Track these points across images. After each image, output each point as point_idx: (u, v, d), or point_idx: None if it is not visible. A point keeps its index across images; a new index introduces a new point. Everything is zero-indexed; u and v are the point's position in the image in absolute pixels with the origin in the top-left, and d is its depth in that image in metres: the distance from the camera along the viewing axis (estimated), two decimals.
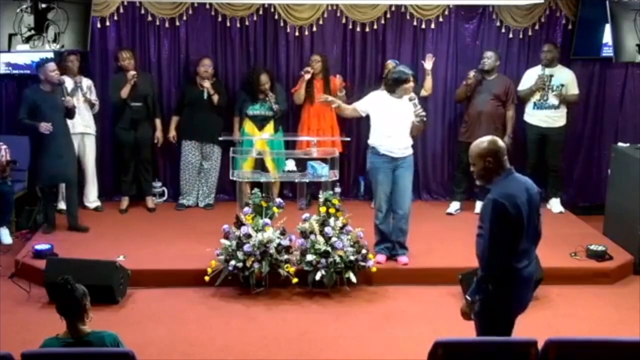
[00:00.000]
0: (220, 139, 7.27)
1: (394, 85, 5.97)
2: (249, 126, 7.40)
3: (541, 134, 7.48)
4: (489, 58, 7.35)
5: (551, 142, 7.52)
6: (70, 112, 6.72)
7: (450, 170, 7.98)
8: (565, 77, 7.45)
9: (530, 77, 7.48)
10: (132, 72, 7.13)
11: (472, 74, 7.33)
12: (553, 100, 7.39)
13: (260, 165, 7.14)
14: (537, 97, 7.43)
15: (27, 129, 6.70)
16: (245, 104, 7.39)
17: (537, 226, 3.96)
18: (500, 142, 3.90)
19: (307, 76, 7.30)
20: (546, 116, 7.45)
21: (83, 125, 7.12)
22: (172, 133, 7.49)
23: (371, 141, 6.10)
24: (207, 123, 7.38)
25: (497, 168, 3.85)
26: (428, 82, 7.34)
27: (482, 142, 3.91)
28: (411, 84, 5.97)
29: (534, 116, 7.50)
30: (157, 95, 7.53)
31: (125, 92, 7.16)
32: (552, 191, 7.65)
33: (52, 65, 6.55)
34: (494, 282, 3.83)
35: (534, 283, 4.25)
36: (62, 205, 7.27)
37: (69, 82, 7.15)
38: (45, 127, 6.43)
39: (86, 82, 7.27)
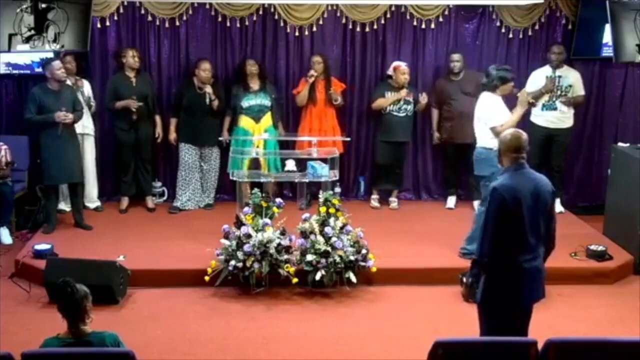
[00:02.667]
0: (220, 138, 7.28)
1: (499, 85, 6.04)
2: (244, 121, 7.33)
3: (548, 134, 7.45)
4: (459, 61, 7.40)
5: (557, 143, 7.51)
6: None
7: (443, 170, 7.99)
8: (572, 78, 7.45)
9: (537, 79, 7.45)
10: (136, 104, 7.13)
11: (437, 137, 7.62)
12: (561, 107, 7.39)
13: (256, 164, 7.13)
14: (545, 98, 7.42)
15: (36, 126, 6.68)
16: (238, 96, 7.32)
17: (546, 224, 4.03)
18: (518, 140, 4.08)
19: (311, 80, 7.29)
20: (554, 117, 7.43)
21: (81, 126, 7.10)
22: (173, 135, 7.44)
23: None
24: (205, 126, 7.33)
25: (504, 157, 4.08)
26: (422, 106, 7.46)
27: (507, 132, 4.18)
28: (512, 84, 6.17)
29: (541, 117, 7.48)
30: (156, 95, 7.52)
31: (120, 106, 7.17)
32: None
33: (57, 63, 6.58)
34: (490, 271, 3.98)
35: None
36: (62, 206, 7.29)
37: (86, 87, 7.17)
38: (61, 115, 6.46)
39: (85, 85, 7.27)
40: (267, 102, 7.33)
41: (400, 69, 7.39)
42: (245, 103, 7.30)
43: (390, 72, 7.49)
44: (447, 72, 7.54)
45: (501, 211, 3.92)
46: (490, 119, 5.98)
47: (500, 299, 4.03)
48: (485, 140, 6.03)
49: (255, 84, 7.34)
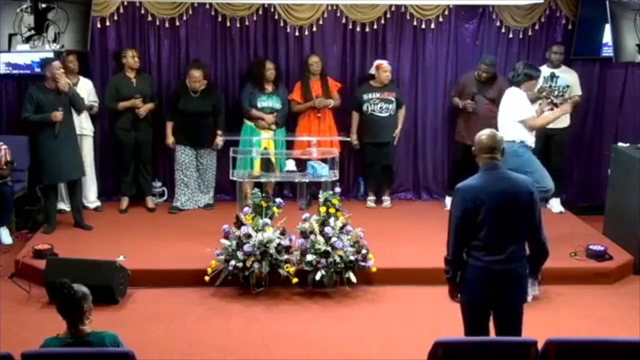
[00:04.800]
0: (222, 138, 7.29)
1: (523, 81, 6.11)
2: (254, 121, 7.36)
3: (546, 135, 7.42)
4: (488, 73, 7.30)
5: (556, 143, 7.50)
6: (76, 106, 6.75)
7: (450, 169, 7.98)
8: (570, 79, 7.45)
9: None
10: (141, 103, 7.16)
11: (469, 104, 7.36)
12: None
13: (265, 165, 7.15)
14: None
15: (33, 125, 6.69)
16: (253, 95, 7.34)
17: (528, 227, 3.98)
18: (492, 139, 4.05)
19: (318, 105, 7.37)
20: None
21: (79, 127, 7.09)
22: (171, 139, 7.39)
23: (522, 137, 6.11)
24: (201, 130, 7.33)
25: (478, 158, 4.08)
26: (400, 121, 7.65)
27: (482, 133, 4.12)
28: (536, 81, 6.25)
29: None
30: (156, 95, 7.52)
31: (121, 107, 7.19)
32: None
33: (58, 63, 6.61)
34: (458, 269, 4.04)
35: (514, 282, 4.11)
36: (61, 206, 7.29)
37: (84, 86, 7.17)
38: (57, 115, 6.48)
39: (86, 85, 7.28)
40: (278, 105, 7.36)
41: (382, 67, 7.42)
42: (259, 104, 7.32)
43: (372, 71, 7.50)
44: (476, 72, 7.42)
45: (461, 210, 3.96)
46: (519, 113, 6.03)
47: (469, 297, 4.06)
48: (508, 133, 6.01)
49: (269, 86, 7.36)
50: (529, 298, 4.19)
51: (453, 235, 4.01)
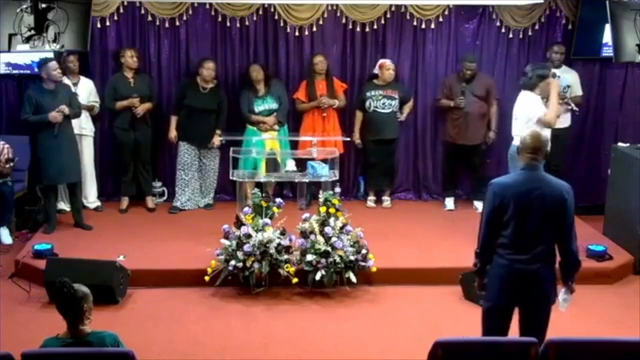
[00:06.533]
0: (221, 139, 7.29)
1: (538, 83, 6.03)
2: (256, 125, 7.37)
3: None
4: (472, 70, 7.35)
5: (556, 143, 7.48)
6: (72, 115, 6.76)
7: (442, 171, 7.99)
8: (570, 79, 7.45)
9: None
10: (139, 103, 7.17)
11: (460, 100, 7.34)
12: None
13: (272, 166, 7.15)
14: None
15: (32, 126, 6.69)
16: (250, 101, 7.35)
17: (558, 233, 3.99)
18: (535, 140, 4.05)
19: (323, 106, 7.39)
20: None
21: (79, 127, 7.09)
22: (173, 133, 7.39)
23: None
24: (205, 127, 7.33)
25: (520, 157, 4.09)
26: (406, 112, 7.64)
27: (527, 133, 4.16)
28: (551, 79, 6.10)
29: None
30: (156, 95, 7.52)
31: (119, 107, 7.20)
32: None
33: (54, 64, 6.61)
34: (482, 260, 4.12)
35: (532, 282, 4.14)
36: (61, 206, 7.29)
37: (84, 86, 7.16)
38: (55, 116, 6.48)
39: (87, 85, 7.28)
40: (274, 105, 7.37)
41: (385, 65, 7.44)
42: (256, 108, 7.34)
43: (376, 70, 7.51)
44: (459, 73, 7.49)
45: (490, 206, 4.02)
46: (534, 114, 5.98)
47: (490, 294, 4.12)
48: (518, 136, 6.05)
49: (261, 87, 7.36)
50: (562, 309, 4.17)
51: (483, 230, 4.09)
